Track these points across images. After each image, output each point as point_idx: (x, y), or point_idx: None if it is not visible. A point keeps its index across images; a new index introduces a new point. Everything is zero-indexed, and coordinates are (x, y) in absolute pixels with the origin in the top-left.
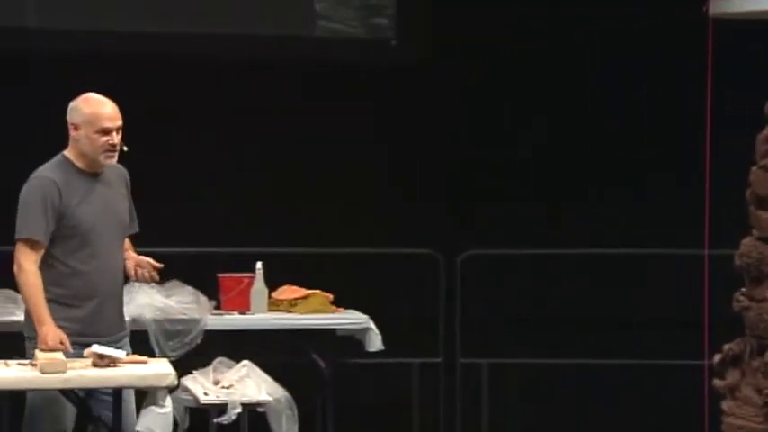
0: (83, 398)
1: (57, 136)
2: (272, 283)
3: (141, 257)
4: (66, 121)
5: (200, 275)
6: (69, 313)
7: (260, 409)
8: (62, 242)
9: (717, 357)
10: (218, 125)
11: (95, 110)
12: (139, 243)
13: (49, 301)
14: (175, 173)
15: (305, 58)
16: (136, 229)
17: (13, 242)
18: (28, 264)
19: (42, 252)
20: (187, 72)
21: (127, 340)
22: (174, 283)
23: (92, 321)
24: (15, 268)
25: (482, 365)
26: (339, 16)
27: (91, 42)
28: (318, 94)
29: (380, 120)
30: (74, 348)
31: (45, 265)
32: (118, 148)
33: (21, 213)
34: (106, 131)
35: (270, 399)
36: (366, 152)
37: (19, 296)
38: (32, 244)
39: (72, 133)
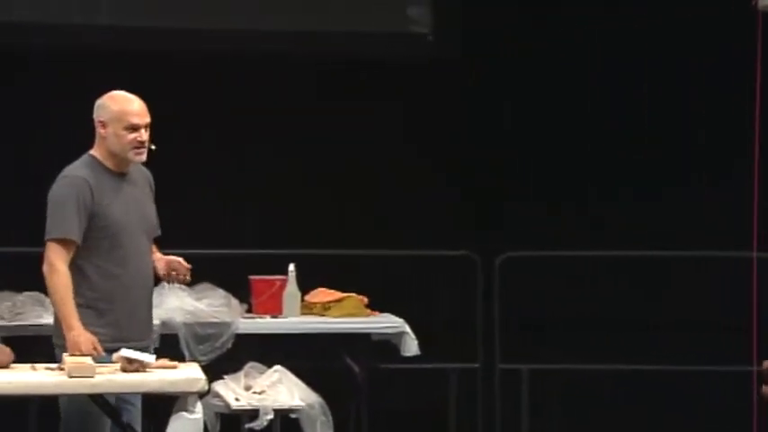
0: (112, 404)
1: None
2: (305, 286)
3: (171, 258)
4: (92, 120)
5: (232, 278)
6: (102, 318)
7: (293, 416)
8: (93, 243)
9: (766, 364)
10: (246, 123)
11: (123, 106)
12: (169, 244)
13: (80, 305)
14: (205, 172)
15: (331, 54)
16: (158, 232)
17: (37, 243)
18: (60, 264)
19: (73, 252)
20: (210, 68)
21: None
22: (205, 285)
23: (125, 326)
24: (46, 268)
25: (522, 371)
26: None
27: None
28: (349, 91)
29: (412, 117)
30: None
31: (75, 268)
32: (146, 145)
33: (52, 212)
34: (135, 128)
35: (303, 405)
36: (400, 150)
37: (47, 299)
38: (65, 243)
39: (100, 131)
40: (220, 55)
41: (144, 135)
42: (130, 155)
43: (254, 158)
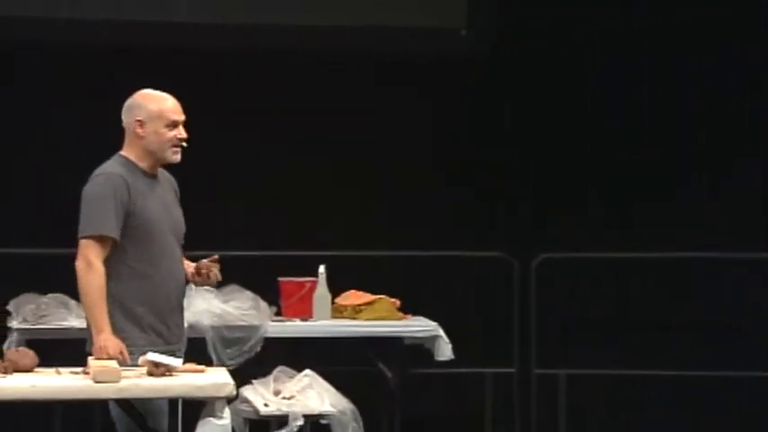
0: (138, 409)
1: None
2: (336, 288)
3: (200, 261)
4: (120, 122)
5: (260, 280)
6: (133, 320)
7: (323, 422)
8: (126, 243)
9: None
10: (274, 122)
11: (161, 104)
12: (196, 246)
13: (111, 306)
14: (232, 171)
15: (367, 50)
16: (182, 240)
17: (61, 243)
18: (98, 261)
19: (108, 250)
20: (239, 64)
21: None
22: (233, 287)
23: (156, 328)
24: (82, 265)
25: (559, 376)
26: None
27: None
28: (378, 88)
29: (444, 114)
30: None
31: (111, 271)
32: (184, 144)
33: (90, 209)
34: (175, 125)
35: (333, 411)
36: (433, 148)
37: (71, 301)
38: (102, 241)
39: (137, 130)
40: (246, 51)
41: (183, 132)
42: (168, 153)
43: (284, 158)
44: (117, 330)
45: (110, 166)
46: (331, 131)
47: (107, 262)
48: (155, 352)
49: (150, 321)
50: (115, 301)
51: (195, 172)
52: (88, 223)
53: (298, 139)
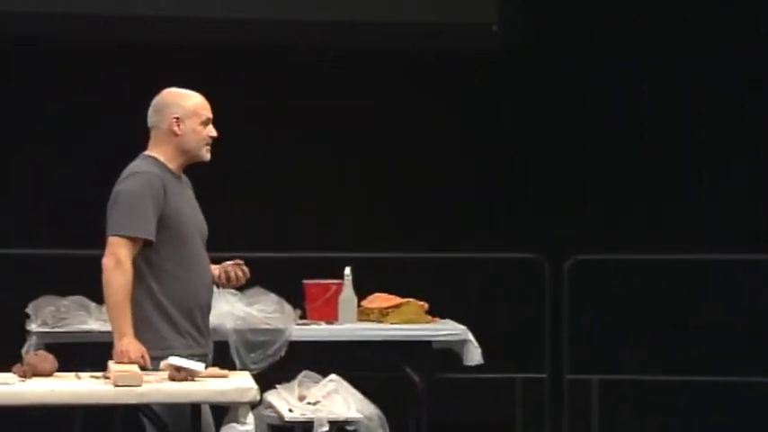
0: (160, 415)
1: None
2: (362, 291)
3: (226, 263)
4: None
5: (285, 282)
6: (177, 325)
7: (349, 428)
8: (158, 244)
9: None
10: (299, 121)
11: (196, 101)
12: (219, 247)
13: (140, 308)
14: (257, 171)
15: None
16: None
17: (82, 245)
18: (128, 261)
19: (137, 251)
20: (274, 60)
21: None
22: (257, 290)
23: (196, 334)
24: (111, 263)
25: (592, 382)
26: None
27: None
28: (407, 86)
29: (474, 111)
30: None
31: (147, 273)
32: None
33: (125, 207)
34: (209, 122)
35: (360, 416)
36: (461, 146)
37: (92, 304)
38: (135, 241)
39: (174, 128)
40: (274, 46)
41: (213, 130)
42: (203, 151)
43: (308, 158)
44: (155, 333)
45: (144, 165)
46: (361, 130)
47: (137, 263)
48: (192, 356)
49: (186, 326)
50: (153, 303)
51: (216, 171)
52: (124, 222)
53: (324, 138)
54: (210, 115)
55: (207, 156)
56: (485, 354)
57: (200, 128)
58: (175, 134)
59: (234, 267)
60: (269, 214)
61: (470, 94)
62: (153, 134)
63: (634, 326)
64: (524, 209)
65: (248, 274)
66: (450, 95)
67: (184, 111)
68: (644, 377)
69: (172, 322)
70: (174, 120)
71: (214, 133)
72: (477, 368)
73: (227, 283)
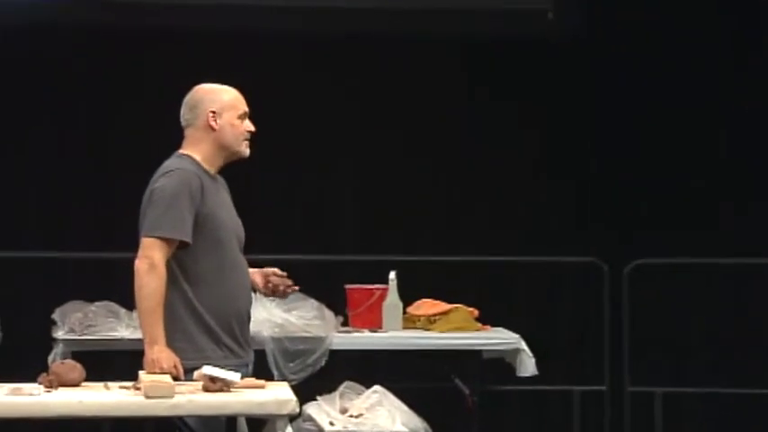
0: (193, 428)
1: None
2: (408, 297)
3: (267, 269)
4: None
5: (325, 286)
6: (214, 334)
7: None
8: (194, 247)
9: None
10: (343, 118)
11: (231, 94)
12: (256, 249)
13: (191, 317)
14: (294, 170)
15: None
16: None
17: (110, 247)
18: (162, 265)
19: (171, 254)
20: (311, 48)
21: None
22: (296, 295)
23: (233, 344)
24: (144, 266)
25: (655, 395)
26: None
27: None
28: (461, 74)
29: (527, 104)
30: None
31: (182, 277)
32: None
33: (161, 207)
34: (246, 115)
35: (405, 430)
36: (514, 143)
37: (122, 310)
38: (170, 243)
39: (211, 123)
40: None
41: (251, 125)
42: (243, 147)
43: (351, 155)
44: (189, 341)
45: (180, 163)
46: (408, 124)
47: (170, 267)
48: (230, 367)
49: (223, 337)
50: (188, 310)
51: (254, 169)
52: (158, 222)
53: (371, 135)
54: (247, 109)
55: (246, 151)
56: (539, 364)
57: (237, 122)
58: (213, 129)
59: (281, 280)
60: (308, 214)
61: (524, 81)
62: (188, 133)
63: (700, 334)
64: (581, 209)
65: (296, 288)
66: (503, 83)
67: (221, 104)
68: (711, 390)
69: (208, 330)
70: (211, 114)
71: (252, 128)
72: (530, 380)
73: (271, 294)
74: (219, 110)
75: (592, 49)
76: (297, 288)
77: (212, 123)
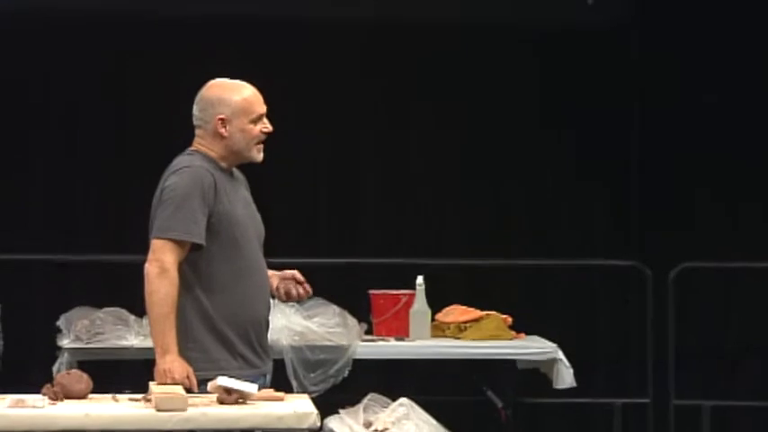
0: None
1: None
2: (436, 303)
3: (285, 272)
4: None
5: (348, 292)
6: (228, 343)
7: None
8: (208, 249)
9: None
10: (362, 118)
11: (244, 95)
12: (276, 252)
13: (204, 325)
14: (319, 171)
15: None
16: None
17: (120, 251)
18: (174, 269)
19: (184, 256)
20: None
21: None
22: (317, 301)
23: (249, 354)
24: (154, 270)
25: (702, 408)
26: None
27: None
28: (499, 60)
29: (566, 104)
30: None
31: (195, 282)
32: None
33: (169, 207)
34: (260, 117)
35: None
36: (547, 138)
37: (131, 317)
38: (182, 245)
39: (219, 130)
40: (371, 25)
41: (268, 124)
42: (254, 152)
43: (375, 156)
44: (203, 351)
45: (192, 160)
46: (434, 123)
47: (183, 271)
48: (244, 378)
49: (239, 347)
50: (202, 317)
51: (273, 168)
52: (170, 223)
53: (393, 136)
54: (262, 110)
55: (258, 156)
56: (577, 375)
57: (249, 126)
58: (222, 136)
59: (296, 286)
60: (331, 214)
61: (561, 70)
62: (198, 133)
63: (750, 344)
64: (624, 210)
65: (311, 292)
66: (540, 71)
67: (231, 109)
68: (763, 403)
69: (223, 340)
70: (220, 121)
71: (268, 128)
72: (568, 392)
73: (286, 298)
74: (229, 116)
75: (632, 39)
76: (311, 291)
77: (221, 131)
